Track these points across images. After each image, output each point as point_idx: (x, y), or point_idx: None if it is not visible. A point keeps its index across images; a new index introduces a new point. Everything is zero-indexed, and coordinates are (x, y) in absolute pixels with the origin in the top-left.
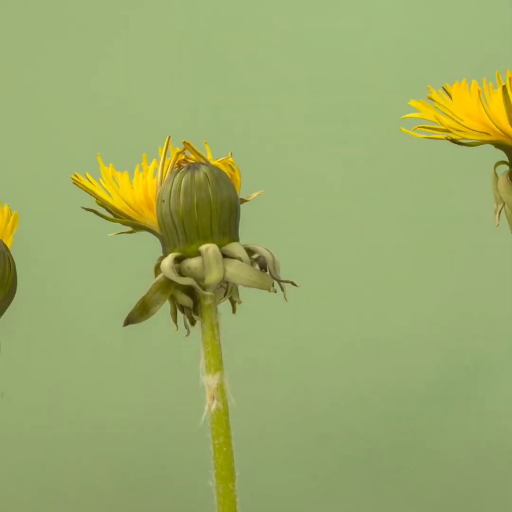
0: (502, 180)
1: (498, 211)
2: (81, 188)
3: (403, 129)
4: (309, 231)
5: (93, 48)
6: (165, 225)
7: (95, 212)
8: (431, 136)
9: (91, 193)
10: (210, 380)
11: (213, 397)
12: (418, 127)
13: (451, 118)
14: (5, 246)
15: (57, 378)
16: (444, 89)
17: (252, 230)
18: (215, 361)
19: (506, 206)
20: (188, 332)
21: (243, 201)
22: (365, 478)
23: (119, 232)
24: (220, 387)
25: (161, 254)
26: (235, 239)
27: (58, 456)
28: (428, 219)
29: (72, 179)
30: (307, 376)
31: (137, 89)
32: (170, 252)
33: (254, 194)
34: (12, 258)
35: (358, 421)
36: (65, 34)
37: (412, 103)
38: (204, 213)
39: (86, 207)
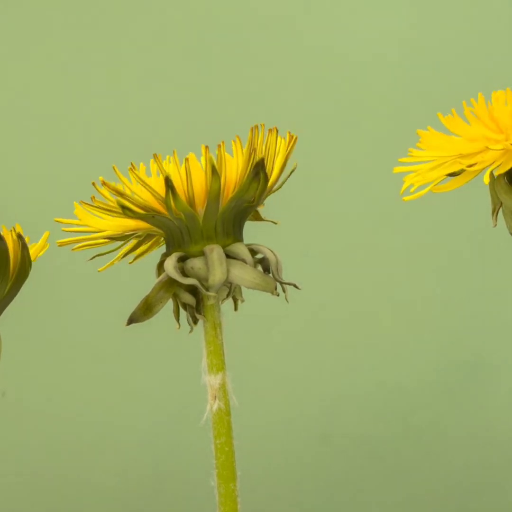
0: (499, 181)
1: (495, 212)
2: (75, 231)
3: (406, 198)
4: (311, 231)
5: (92, 48)
6: (169, 227)
7: (101, 255)
8: (430, 187)
9: (87, 244)
10: (212, 380)
11: (215, 397)
12: (413, 190)
13: (436, 166)
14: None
15: (58, 377)
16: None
17: (255, 230)
18: (217, 360)
19: (503, 206)
20: (191, 329)
21: (258, 217)
22: (366, 478)
23: (123, 254)
24: (222, 387)
25: (164, 251)
26: (240, 239)
27: (58, 455)
28: (429, 220)
29: (58, 243)
30: (308, 376)
31: (146, 90)
32: (173, 252)
33: (269, 219)
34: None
35: (358, 421)
36: (58, 34)
37: (398, 169)
38: (211, 216)
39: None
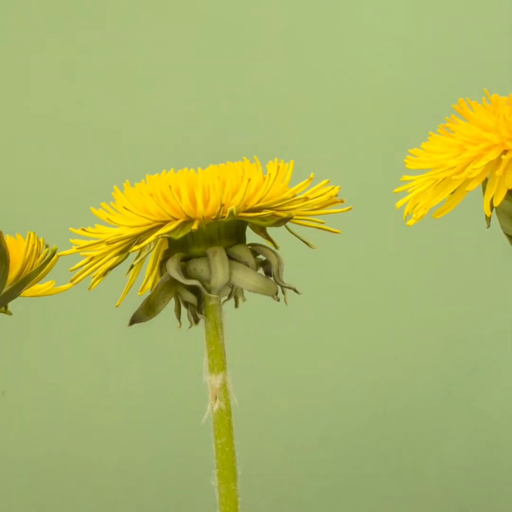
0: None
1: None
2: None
3: (409, 223)
4: (311, 231)
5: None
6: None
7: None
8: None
9: (98, 274)
10: (213, 380)
11: (216, 397)
12: (411, 220)
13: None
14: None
15: (58, 377)
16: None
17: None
18: (218, 360)
19: (497, 208)
20: (190, 325)
21: (264, 230)
22: (366, 478)
23: (129, 269)
24: (223, 387)
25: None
26: (242, 241)
27: (58, 456)
28: (429, 220)
29: (71, 282)
30: (308, 376)
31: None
32: (176, 252)
33: (271, 239)
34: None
35: (358, 421)
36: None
37: (400, 204)
38: (215, 223)
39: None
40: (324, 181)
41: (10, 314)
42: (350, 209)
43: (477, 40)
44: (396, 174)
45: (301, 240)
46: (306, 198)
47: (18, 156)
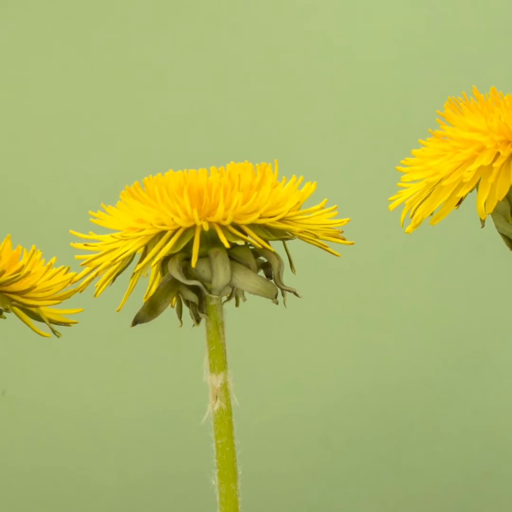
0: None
1: None
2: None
3: (407, 230)
4: None
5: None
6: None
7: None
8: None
9: (104, 282)
10: (214, 380)
11: (217, 396)
12: (409, 227)
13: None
14: None
15: (58, 377)
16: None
17: None
18: (219, 360)
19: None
20: (193, 324)
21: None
22: (366, 478)
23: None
24: (224, 387)
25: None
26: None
27: (58, 455)
28: (426, 222)
29: (79, 290)
30: (308, 376)
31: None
32: (178, 253)
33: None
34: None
35: (359, 421)
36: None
37: (393, 206)
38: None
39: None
40: (332, 207)
41: (4, 317)
42: (353, 243)
43: (476, 42)
44: (396, 176)
45: (289, 259)
46: (316, 236)
47: (17, 156)
